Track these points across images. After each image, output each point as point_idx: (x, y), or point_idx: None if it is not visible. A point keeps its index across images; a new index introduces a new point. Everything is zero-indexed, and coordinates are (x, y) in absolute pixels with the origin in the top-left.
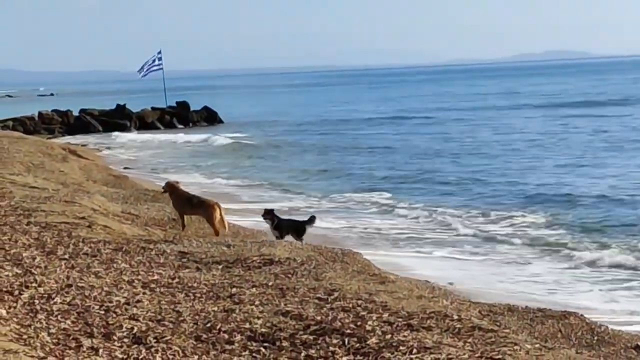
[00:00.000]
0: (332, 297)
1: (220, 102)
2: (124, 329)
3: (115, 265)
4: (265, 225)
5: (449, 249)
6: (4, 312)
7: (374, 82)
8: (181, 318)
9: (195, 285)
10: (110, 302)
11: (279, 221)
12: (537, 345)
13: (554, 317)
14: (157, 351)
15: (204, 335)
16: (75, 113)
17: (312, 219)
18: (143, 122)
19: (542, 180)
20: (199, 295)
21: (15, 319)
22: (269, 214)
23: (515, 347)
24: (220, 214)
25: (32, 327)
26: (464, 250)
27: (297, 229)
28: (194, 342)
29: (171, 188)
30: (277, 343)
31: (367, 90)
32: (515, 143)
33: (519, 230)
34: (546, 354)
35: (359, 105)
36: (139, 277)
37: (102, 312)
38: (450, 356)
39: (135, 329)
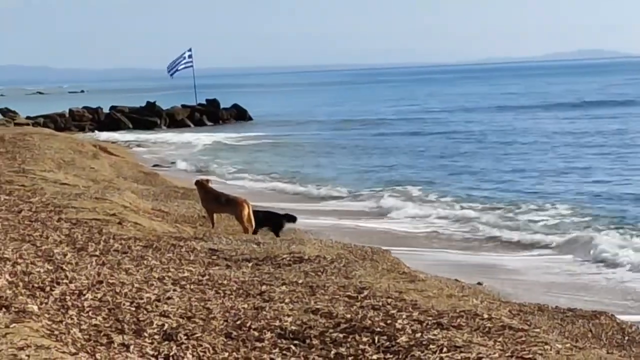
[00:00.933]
0: (362, 295)
1: (248, 101)
2: (154, 326)
3: (145, 262)
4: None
5: (478, 248)
6: (35, 308)
7: (404, 81)
8: (211, 315)
9: (225, 282)
10: (141, 298)
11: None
12: (567, 345)
13: (584, 316)
14: (187, 348)
15: (234, 333)
16: (106, 110)
17: (292, 218)
18: (173, 120)
19: (579, 179)
20: (229, 292)
21: (46, 315)
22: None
23: (546, 347)
24: (249, 212)
25: (64, 323)
26: (493, 248)
27: (275, 222)
28: (224, 339)
29: (200, 186)
30: (307, 341)
31: (395, 89)
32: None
33: (550, 228)
34: (577, 353)
35: (387, 104)
36: (170, 273)
37: (133, 308)
38: (480, 355)
39: (166, 326)
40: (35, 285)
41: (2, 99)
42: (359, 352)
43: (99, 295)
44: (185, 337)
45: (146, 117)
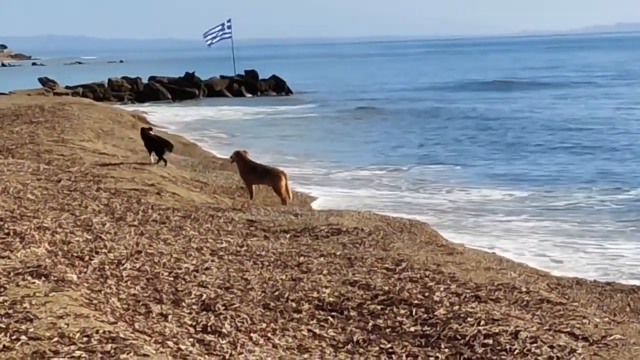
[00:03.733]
0: (400, 267)
1: (287, 72)
2: (192, 296)
3: (184, 232)
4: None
5: (520, 220)
6: (74, 277)
7: (449, 52)
8: (249, 286)
9: (263, 253)
10: (179, 269)
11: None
12: (605, 319)
13: (622, 290)
14: (225, 318)
15: (272, 304)
16: (145, 80)
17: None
18: (212, 90)
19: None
20: (266, 263)
21: (85, 284)
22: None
23: (584, 320)
24: (286, 183)
25: (102, 292)
26: (533, 221)
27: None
28: (262, 310)
29: (239, 157)
30: (345, 312)
31: (439, 61)
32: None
33: (599, 203)
34: (615, 327)
35: (430, 76)
36: (207, 244)
37: (171, 279)
38: (518, 328)
39: (204, 296)
40: (75, 254)
41: (41, 68)
42: (397, 324)
43: (137, 265)
44: (224, 308)
45: (185, 88)
